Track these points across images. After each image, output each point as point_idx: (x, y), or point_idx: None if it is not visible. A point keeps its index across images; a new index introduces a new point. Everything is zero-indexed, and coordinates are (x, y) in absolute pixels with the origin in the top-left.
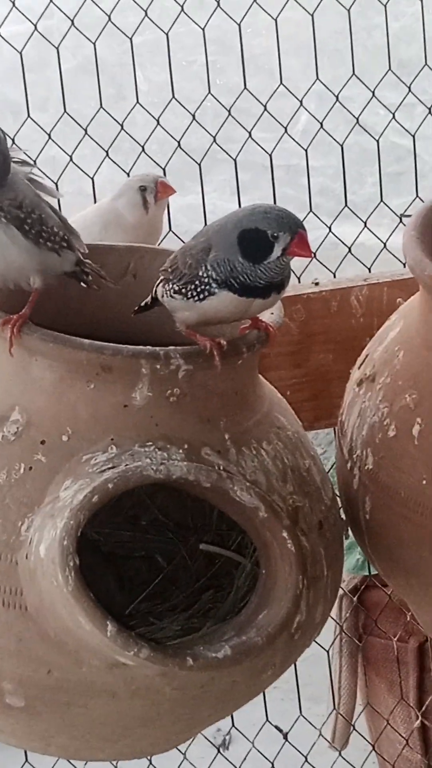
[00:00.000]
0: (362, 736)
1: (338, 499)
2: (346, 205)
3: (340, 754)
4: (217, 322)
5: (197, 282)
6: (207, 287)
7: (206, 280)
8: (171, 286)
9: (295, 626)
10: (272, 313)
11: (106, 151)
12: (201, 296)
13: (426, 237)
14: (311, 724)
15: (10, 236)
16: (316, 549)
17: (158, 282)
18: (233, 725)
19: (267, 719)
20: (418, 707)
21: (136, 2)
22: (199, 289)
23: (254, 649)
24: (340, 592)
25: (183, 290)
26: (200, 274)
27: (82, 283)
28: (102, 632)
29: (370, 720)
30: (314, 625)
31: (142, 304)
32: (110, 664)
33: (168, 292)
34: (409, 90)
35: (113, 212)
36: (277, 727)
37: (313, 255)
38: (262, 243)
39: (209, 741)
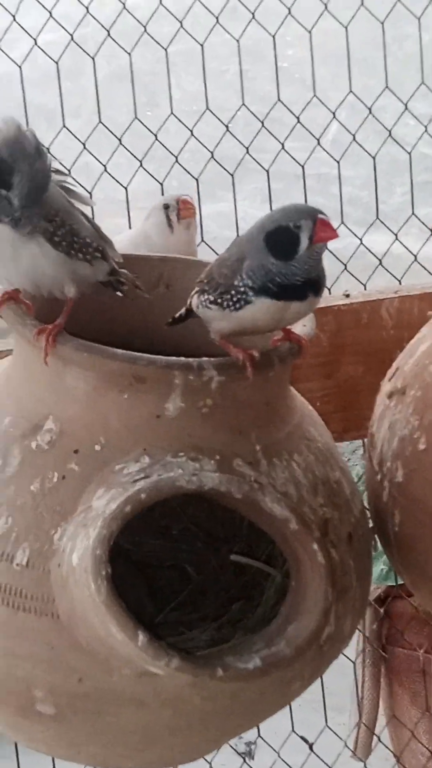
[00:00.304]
0: (386, 746)
1: (367, 511)
2: (377, 217)
3: (364, 765)
4: (253, 332)
5: (233, 291)
6: (243, 296)
7: (242, 288)
8: (207, 296)
9: (324, 638)
10: (304, 325)
11: (140, 161)
12: (237, 305)
13: None
14: (336, 734)
15: (41, 248)
16: (345, 561)
17: (193, 293)
18: (259, 735)
19: (293, 729)
20: None
21: (171, 12)
22: (235, 299)
23: (284, 661)
24: None
25: (219, 300)
26: (236, 283)
27: (117, 292)
28: (133, 642)
29: (394, 731)
30: (343, 637)
31: (177, 315)
32: (140, 673)
33: (203, 303)
34: None
35: (142, 234)
36: (302, 738)
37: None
38: (287, 237)
39: (235, 750)
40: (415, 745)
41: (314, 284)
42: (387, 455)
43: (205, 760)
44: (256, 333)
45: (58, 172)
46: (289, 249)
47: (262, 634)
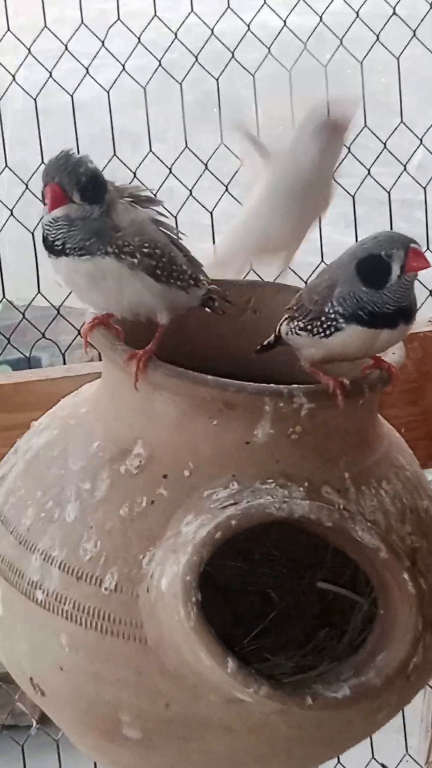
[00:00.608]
0: None
1: None
2: None
3: None
4: (343, 359)
5: (323, 318)
6: (334, 323)
7: (333, 315)
8: (296, 323)
9: (412, 668)
10: (394, 353)
11: (226, 186)
12: (328, 332)
13: None
14: (416, 761)
15: (143, 281)
16: None
17: (283, 320)
18: (339, 761)
19: (372, 756)
20: None
21: (258, 38)
22: (325, 325)
23: (373, 690)
24: None
25: (309, 327)
26: (326, 310)
27: (210, 310)
28: (222, 668)
29: None
30: (430, 667)
31: (265, 343)
32: (228, 699)
33: (293, 330)
34: None
35: None
36: (383, 765)
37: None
38: (379, 266)
39: None
40: None
41: (405, 312)
42: None
43: None
44: (346, 360)
45: (150, 200)
46: (380, 278)
47: (350, 663)
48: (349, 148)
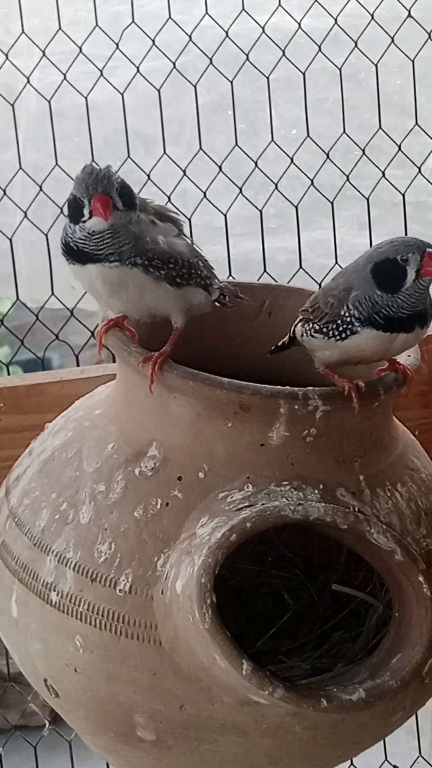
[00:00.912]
0: None
1: None
2: None
3: None
4: (358, 362)
5: (339, 321)
6: (349, 326)
7: (348, 318)
8: (312, 325)
9: (427, 670)
10: (409, 356)
11: (240, 188)
12: (343, 335)
13: None
14: (429, 763)
15: (164, 290)
16: None
17: (297, 321)
18: (351, 763)
19: (386, 758)
20: None
21: (272, 40)
22: (341, 328)
23: (388, 693)
24: None
25: (324, 329)
26: (342, 313)
27: (217, 303)
28: (237, 670)
29: None
30: None
31: (279, 344)
32: (242, 701)
33: (308, 332)
34: None
35: None
36: (395, 767)
37: None
38: (394, 270)
39: None
40: None
41: (421, 316)
42: None
43: None
44: (362, 363)
45: (172, 219)
46: (395, 281)
47: (365, 665)
48: (363, 151)
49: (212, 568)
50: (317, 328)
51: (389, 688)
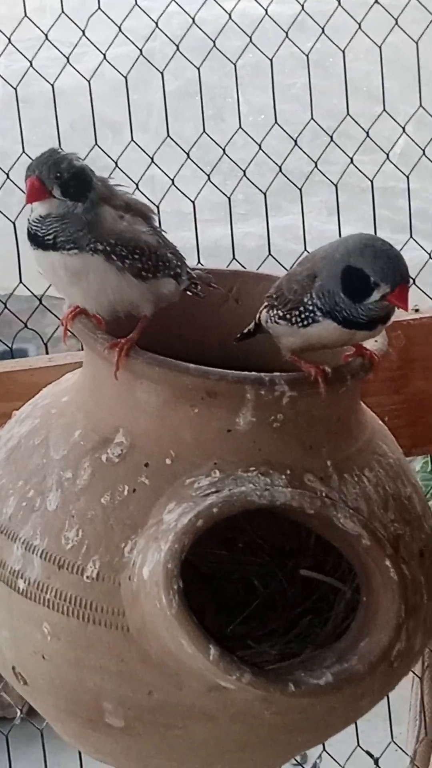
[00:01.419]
0: None
1: None
2: None
3: None
4: (322, 348)
5: (302, 308)
6: (311, 314)
7: (311, 307)
8: (276, 312)
9: (395, 654)
10: (376, 341)
11: (208, 175)
12: (305, 322)
13: None
14: (402, 749)
15: (128, 282)
16: (416, 577)
17: (262, 308)
18: (324, 749)
19: (358, 744)
20: None
21: (239, 26)
22: (303, 316)
23: (356, 677)
24: None
25: (288, 316)
26: (305, 300)
27: (188, 293)
28: (204, 656)
29: None
30: (413, 654)
31: (245, 331)
32: (210, 687)
33: (273, 318)
34: None
35: None
36: (368, 753)
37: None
38: (362, 285)
39: (300, 765)
40: None
41: (382, 318)
42: None
43: None
44: (326, 349)
45: (142, 214)
46: (360, 294)
47: (333, 650)
48: (331, 137)
49: (179, 554)
50: (281, 314)
51: (357, 672)
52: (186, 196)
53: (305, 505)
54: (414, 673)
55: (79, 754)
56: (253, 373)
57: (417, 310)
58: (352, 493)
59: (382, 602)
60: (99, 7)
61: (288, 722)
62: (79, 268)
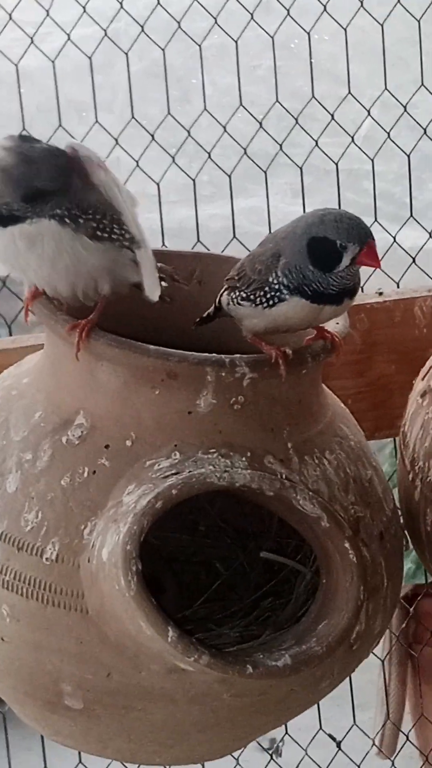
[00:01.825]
0: (413, 744)
1: (399, 510)
2: (411, 214)
3: (392, 764)
4: (286, 330)
5: (267, 288)
6: (277, 293)
7: (276, 286)
8: (238, 293)
9: (354, 636)
10: (338, 323)
11: (173, 157)
12: (271, 302)
13: None
14: (364, 732)
15: (83, 244)
16: (376, 560)
17: (223, 290)
18: (286, 732)
19: (320, 727)
20: None
21: (204, 8)
22: (269, 296)
23: (314, 659)
24: None
25: (252, 297)
26: (270, 280)
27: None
28: (163, 637)
29: (421, 730)
30: (373, 636)
31: (204, 315)
32: (169, 669)
33: (235, 300)
34: None
35: None
36: (330, 735)
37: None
38: (330, 252)
39: (262, 747)
40: None
41: (350, 290)
42: (419, 454)
43: (232, 756)
44: (289, 331)
45: None
46: (329, 263)
47: (292, 632)
48: (296, 119)
49: (137, 535)
50: (244, 295)
51: (315, 654)
52: (151, 178)
53: (265, 487)
54: (375, 655)
55: (41, 737)
56: (214, 354)
57: (380, 294)
58: (312, 475)
59: (341, 584)
60: None
61: (247, 704)
62: (34, 234)
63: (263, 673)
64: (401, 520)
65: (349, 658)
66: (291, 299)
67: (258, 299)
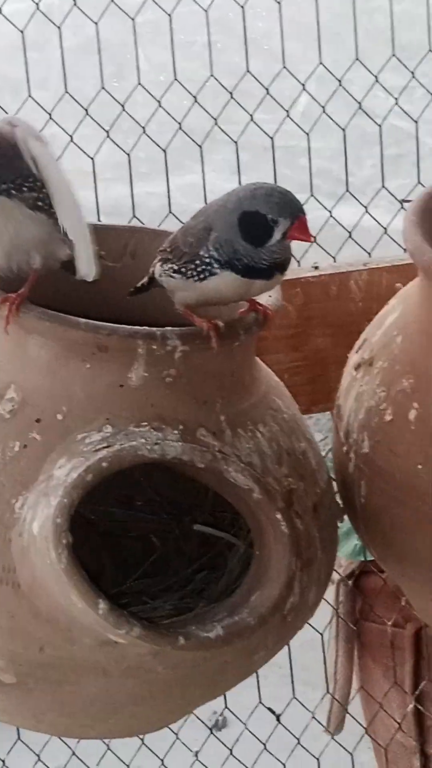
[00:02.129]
0: (356, 720)
1: (334, 482)
2: (347, 189)
3: (333, 738)
4: (217, 303)
5: (198, 261)
6: (208, 267)
7: (207, 260)
8: (170, 265)
9: (288, 608)
10: (270, 296)
11: (107, 132)
12: (202, 276)
13: (426, 223)
14: (305, 707)
15: (21, 211)
16: (310, 532)
17: (156, 261)
18: (226, 707)
19: (260, 701)
20: (413, 692)
21: None
22: (200, 269)
23: (246, 630)
24: (337, 577)
25: (183, 270)
26: (201, 253)
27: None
28: (94, 610)
29: (365, 704)
30: (307, 608)
31: (139, 285)
32: (102, 642)
33: (167, 272)
34: (413, 75)
35: None
36: (270, 709)
37: (313, 239)
38: (261, 227)
39: (203, 722)
40: (386, 719)
41: (281, 264)
42: (353, 427)
43: (173, 731)
44: (221, 304)
45: None
46: (260, 237)
47: (224, 604)
48: (231, 94)
49: (68, 509)
50: (176, 268)
51: (247, 625)
52: (86, 154)
53: (196, 460)
54: (314, 627)
55: None
56: (145, 327)
57: (316, 268)
58: (245, 447)
59: (274, 556)
60: None
61: (180, 676)
62: None
63: (195, 644)
64: (336, 493)
65: (284, 629)
66: (222, 273)
67: (189, 272)
